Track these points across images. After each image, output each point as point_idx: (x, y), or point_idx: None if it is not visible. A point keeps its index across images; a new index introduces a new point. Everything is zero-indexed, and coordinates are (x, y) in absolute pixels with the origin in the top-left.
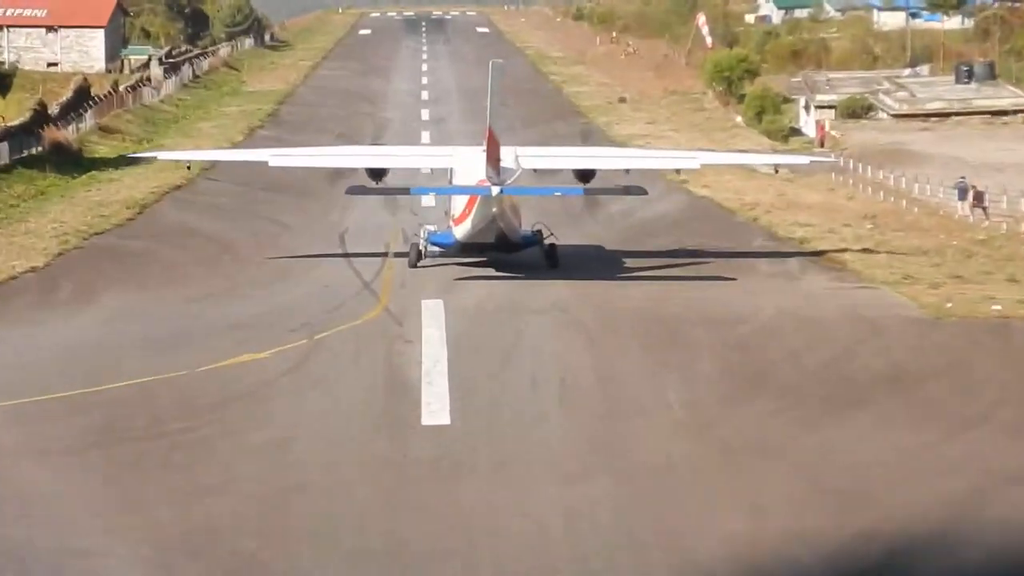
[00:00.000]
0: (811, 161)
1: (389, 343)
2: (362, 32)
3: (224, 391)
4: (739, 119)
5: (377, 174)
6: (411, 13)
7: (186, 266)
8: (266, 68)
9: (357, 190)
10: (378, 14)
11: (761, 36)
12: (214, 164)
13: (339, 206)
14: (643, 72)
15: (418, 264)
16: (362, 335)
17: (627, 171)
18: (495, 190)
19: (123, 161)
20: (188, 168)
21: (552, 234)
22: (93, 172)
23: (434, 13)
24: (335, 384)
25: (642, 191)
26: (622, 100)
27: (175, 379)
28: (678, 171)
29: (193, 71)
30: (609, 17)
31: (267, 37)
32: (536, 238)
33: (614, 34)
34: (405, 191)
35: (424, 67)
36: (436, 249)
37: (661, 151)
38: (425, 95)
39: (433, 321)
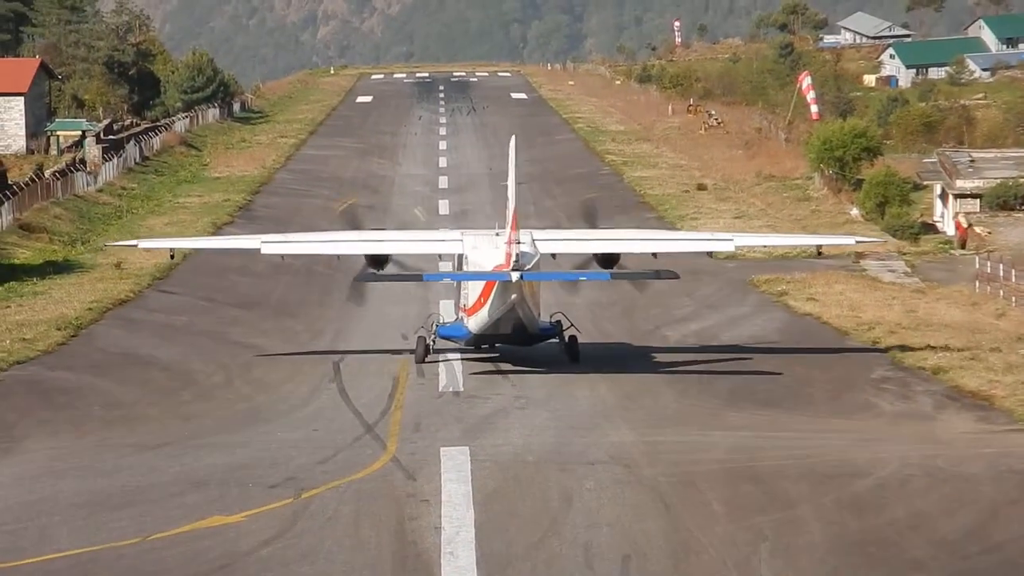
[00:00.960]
0: (857, 241)
1: (399, 504)
2: (361, 99)
3: (186, 567)
4: (855, 212)
5: (378, 261)
6: (425, 74)
7: (135, 405)
8: (235, 147)
9: (366, 277)
10: (381, 75)
11: (884, 103)
12: (169, 273)
13: (330, 327)
14: (730, 151)
15: (425, 359)
16: (364, 493)
17: (655, 255)
18: (516, 275)
19: (50, 268)
20: (172, 257)
21: (572, 325)
22: (12, 283)
23: (455, 74)
24: (329, 558)
25: (673, 275)
26: (702, 188)
27: (122, 551)
28: (710, 254)
29: (141, 151)
30: (685, 79)
31: (237, 106)
32: (556, 330)
33: (691, 101)
34: (418, 277)
35: (442, 145)
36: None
37: (694, 233)
38: (444, 182)
39: (456, 475)
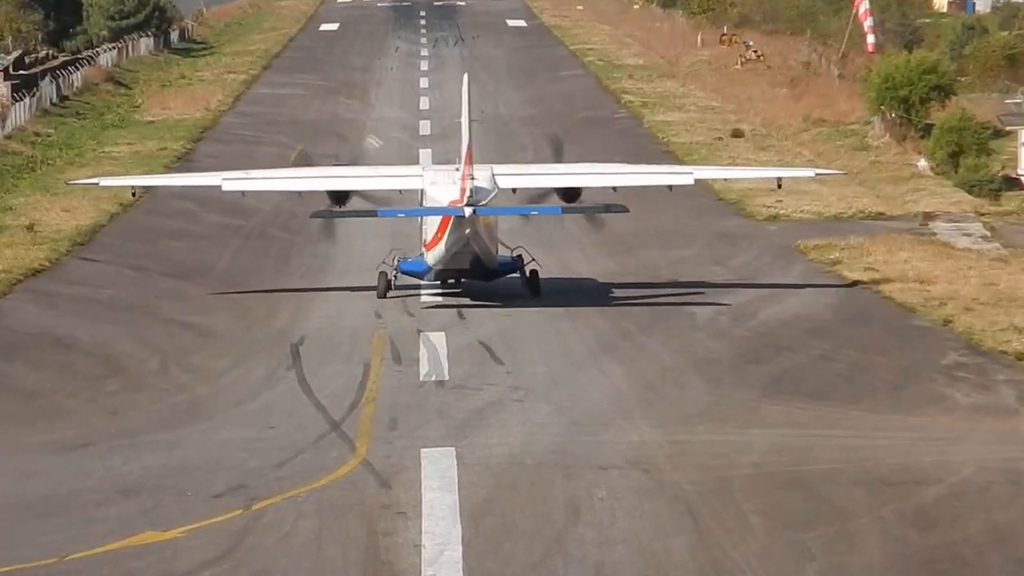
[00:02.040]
0: (816, 174)
1: (370, 517)
2: (325, 27)
3: None
4: (923, 163)
5: (340, 197)
6: None
7: (52, 396)
8: (173, 85)
9: (322, 214)
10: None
11: (959, 32)
12: (92, 237)
13: (289, 303)
14: (771, 90)
15: (387, 295)
16: (328, 504)
17: (614, 189)
18: (468, 210)
19: None
20: (134, 195)
21: (533, 260)
22: None
23: None
24: None
25: (623, 209)
26: (738, 134)
27: (36, 573)
28: (670, 188)
29: (58, 89)
30: (718, 4)
31: (175, 36)
32: (516, 264)
33: (725, 30)
34: (373, 213)
35: (423, 83)
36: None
37: (653, 166)
38: (425, 127)
39: (440, 482)
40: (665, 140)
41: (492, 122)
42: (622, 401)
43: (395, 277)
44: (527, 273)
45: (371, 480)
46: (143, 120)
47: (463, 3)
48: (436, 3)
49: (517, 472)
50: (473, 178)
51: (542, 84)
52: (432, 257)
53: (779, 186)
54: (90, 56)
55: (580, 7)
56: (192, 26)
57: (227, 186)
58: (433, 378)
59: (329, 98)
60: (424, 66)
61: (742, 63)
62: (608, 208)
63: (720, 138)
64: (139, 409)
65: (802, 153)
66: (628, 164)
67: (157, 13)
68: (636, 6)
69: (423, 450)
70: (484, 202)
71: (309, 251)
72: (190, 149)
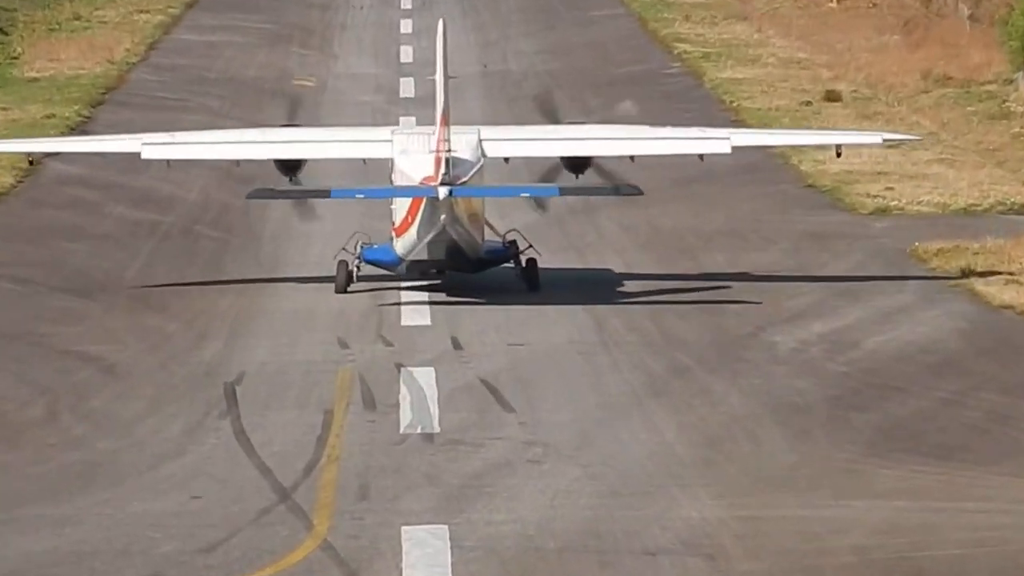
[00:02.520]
0: (884, 140)
1: None
2: None
3: None
4: None
5: (291, 167)
6: None
7: None
8: (64, 28)
9: (261, 194)
10: None
11: None
12: None
13: (223, 325)
14: (879, 36)
15: (347, 289)
16: None
17: (632, 159)
18: (443, 191)
19: None
20: (31, 163)
21: (531, 246)
22: None
23: None
24: None
25: (636, 191)
26: (834, 97)
27: None
28: (701, 157)
29: None
30: None
31: None
32: (509, 252)
33: None
34: (325, 193)
35: (405, 26)
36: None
37: (682, 129)
38: (408, 87)
39: (428, 572)
40: (734, 105)
41: (498, 81)
42: (675, 462)
43: (358, 267)
44: (523, 262)
45: (334, 570)
46: (23, 77)
47: None
48: None
49: (533, 559)
50: (451, 149)
51: (566, 29)
52: (403, 245)
53: (838, 154)
54: None
55: None
56: None
57: (148, 153)
58: (418, 430)
59: (277, 47)
60: (406, 2)
61: (839, 0)
62: (618, 190)
63: (809, 102)
64: (17, 472)
65: (920, 123)
66: (652, 127)
67: None
68: None
69: (404, 528)
70: (465, 179)
71: (251, 255)
72: (87, 117)
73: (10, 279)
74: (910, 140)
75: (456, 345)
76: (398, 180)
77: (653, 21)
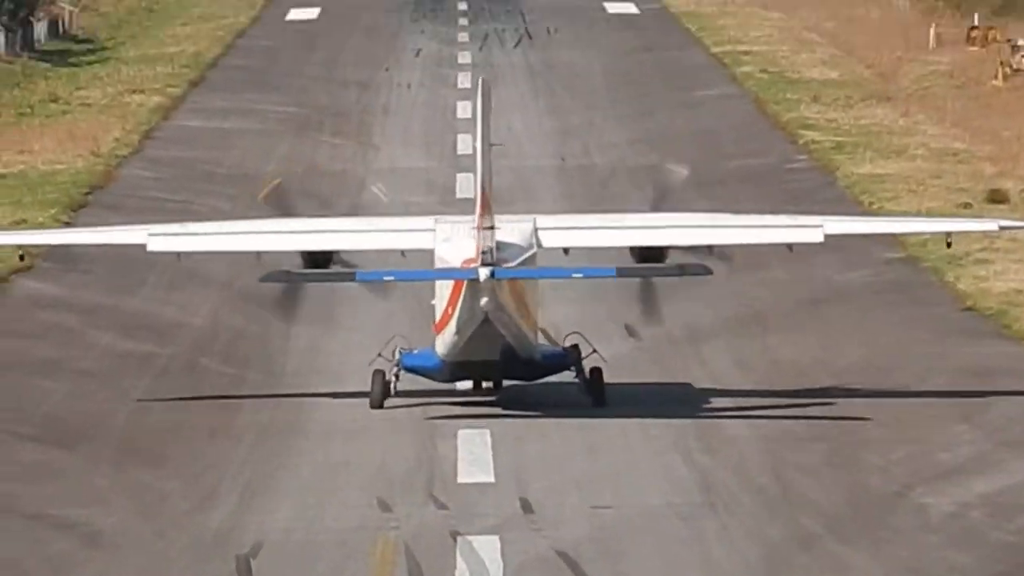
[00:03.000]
0: (1001, 227)
1: None
2: (298, 15)
3: None
4: None
5: (319, 261)
6: None
7: None
8: (38, 112)
9: (276, 276)
10: None
11: None
12: None
13: (233, 483)
14: None
15: (383, 404)
16: None
17: (710, 248)
18: (484, 272)
19: None
20: (21, 259)
21: (595, 350)
22: None
23: None
24: None
25: (705, 270)
26: (999, 198)
27: None
28: (790, 247)
29: None
30: None
31: (41, 28)
32: (569, 358)
33: (976, 22)
34: (350, 276)
35: (464, 110)
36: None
37: (769, 216)
38: (465, 185)
39: None
40: (875, 208)
41: (578, 178)
42: None
43: (396, 377)
44: (587, 372)
45: None
46: None
47: None
48: None
49: None
50: (494, 227)
51: (666, 113)
52: (443, 344)
53: (948, 245)
54: None
55: None
56: (71, 13)
57: (154, 244)
58: None
59: (304, 135)
60: (464, 81)
61: (1005, 76)
62: (683, 270)
63: (968, 204)
64: None
65: None
66: (739, 215)
67: None
68: None
69: None
70: (511, 263)
71: (269, 394)
72: (66, 223)
73: None
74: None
75: (526, 507)
76: (439, 267)
77: (773, 103)
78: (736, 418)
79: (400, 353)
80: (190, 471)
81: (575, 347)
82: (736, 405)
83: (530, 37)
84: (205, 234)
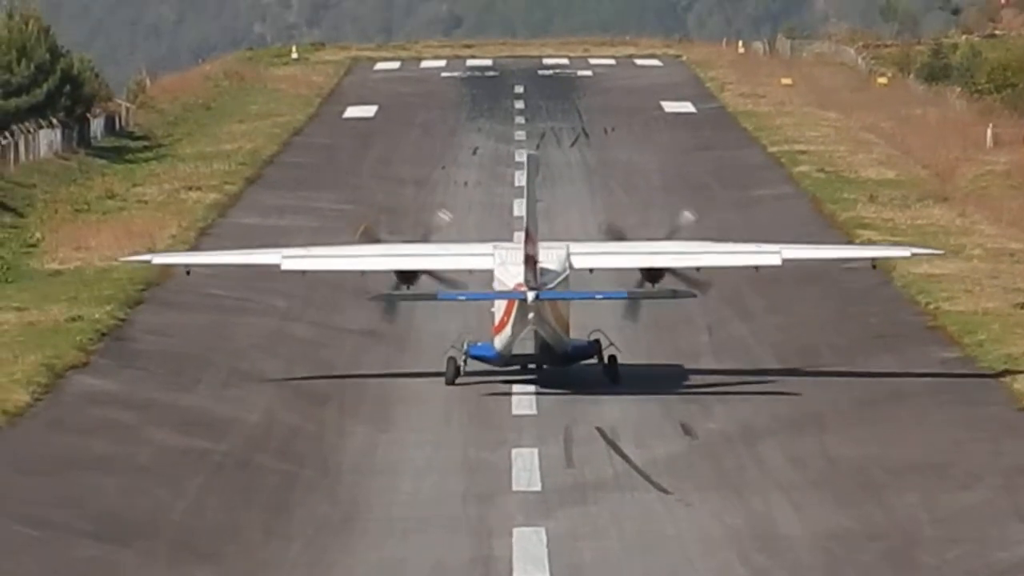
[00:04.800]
0: (912, 253)
1: None
2: (355, 113)
3: None
4: None
5: (407, 278)
6: (486, 61)
7: None
8: (96, 208)
9: (382, 298)
10: (394, 62)
11: None
12: None
13: (282, 567)
14: None
15: (456, 381)
16: None
17: (698, 269)
18: (531, 295)
19: None
20: (188, 273)
21: (612, 344)
22: None
23: (548, 60)
24: None
25: (691, 294)
26: None
27: None
28: (757, 268)
29: None
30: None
31: (98, 125)
32: (593, 349)
33: None
34: (433, 296)
35: (519, 208)
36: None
37: (738, 244)
38: None
39: None
40: (931, 308)
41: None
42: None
43: (464, 363)
44: (605, 359)
45: None
46: (43, 269)
47: (588, 73)
48: (542, 72)
49: None
50: (538, 259)
51: (722, 212)
52: (500, 342)
53: (873, 267)
54: None
55: (787, 80)
56: (128, 110)
57: (286, 265)
58: None
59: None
60: (521, 179)
61: None
62: (675, 293)
63: None
64: None
65: None
66: (715, 243)
67: (68, 86)
68: (882, 79)
69: None
70: (550, 285)
71: (325, 492)
72: (122, 320)
73: (25, 521)
74: (935, 253)
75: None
76: (497, 287)
77: (830, 202)
78: (791, 516)
79: (467, 344)
80: (245, 569)
81: (597, 341)
82: (791, 502)
83: (587, 136)
84: (326, 256)
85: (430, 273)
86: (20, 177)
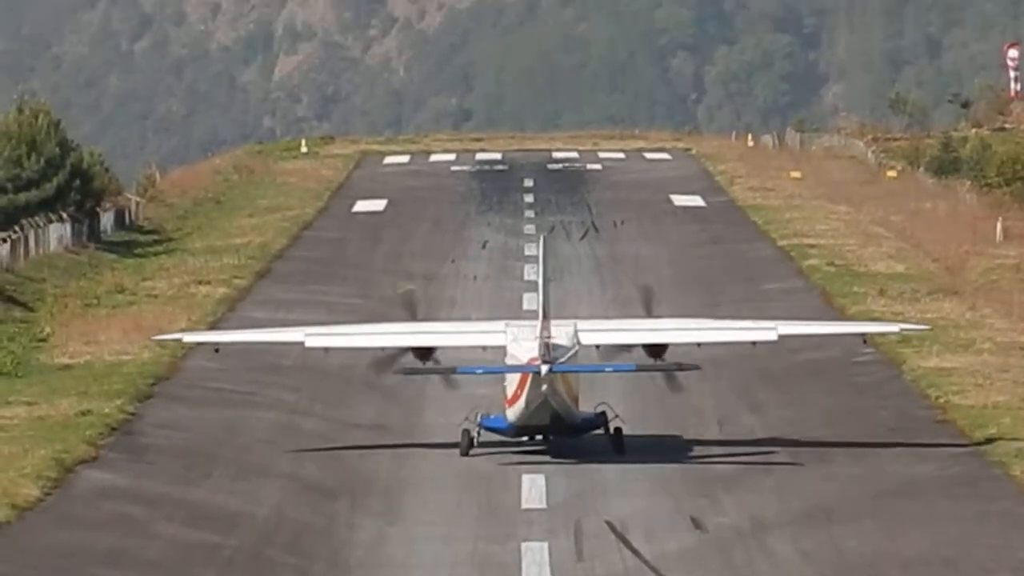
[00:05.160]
0: (901, 329)
1: None
2: (364, 207)
3: None
4: None
5: (424, 353)
6: (495, 154)
7: None
8: (106, 303)
9: (405, 370)
10: (403, 156)
11: None
12: None
13: None
14: None
15: (469, 452)
16: None
17: (699, 345)
18: (544, 368)
19: None
20: (216, 351)
21: (617, 416)
22: None
23: (558, 154)
24: None
25: (695, 367)
26: None
27: None
28: (754, 344)
29: None
30: None
31: (108, 219)
32: (600, 421)
33: None
34: (452, 370)
35: (530, 302)
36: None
37: (736, 321)
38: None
39: None
40: (941, 401)
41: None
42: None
43: (478, 434)
44: (611, 430)
45: None
46: (52, 363)
47: (598, 166)
48: (552, 166)
49: None
50: (550, 336)
51: (733, 306)
52: (512, 413)
53: (864, 341)
54: None
55: (796, 173)
56: (138, 204)
57: (310, 342)
58: None
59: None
60: (531, 273)
61: None
62: (681, 367)
63: None
64: None
65: None
66: (714, 320)
67: (78, 180)
68: (891, 172)
69: None
70: (562, 360)
71: None
72: (132, 414)
73: None
74: (923, 329)
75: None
76: (510, 362)
77: (840, 296)
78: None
79: (480, 417)
80: None
81: (603, 413)
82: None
83: (596, 229)
84: (347, 335)
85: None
86: (30, 271)
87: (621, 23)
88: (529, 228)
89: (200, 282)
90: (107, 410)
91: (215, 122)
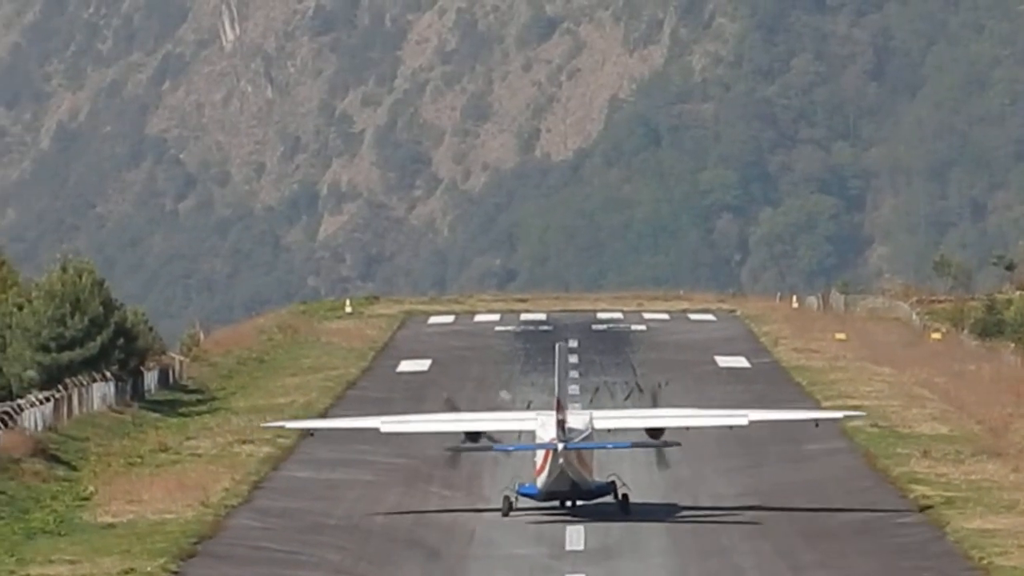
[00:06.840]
0: (844, 415)
1: None
2: (409, 367)
3: None
4: None
5: (474, 436)
6: (539, 315)
7: None
8: (149, 462)
9: (454, 448)
10: (448, 316)
11: None
12: None
13: None
14: None
15: (509, 513)
16: None
17: (687, 428)
18: (561, 445)
19: None
20: (312, 434)
21: (625, 484)
22: None
23: (602, 315)
24: None
25: (675, 443)
26: None
27: None
28: (731, 428)
29: None
30: None
31: (152, 379)
32: (610, 488)
33: None
34: (490, 448)
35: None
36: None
37: (711, 410)
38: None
39: None
40: (984, 563)
41: (688, 538)
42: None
43: (516, 499)
44: (619, 496)
45: None
46: (96, 522)
47: (642, 327)
48: (596, 327)
49: None
50: (565, 420)
51: (775, 466)
52: (540, 482)
53: (816, 425)
54: (7, 413)
55: (841, 335)
56: (181, 363)
57: (385, 428)
58: None
59: (414, 487)
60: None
61: None
62: (666, 443)
63: None
64: None
65: None
66: (698, 409)
67: (121, 338)
68: (936, 335)
69: None
70: (576, 439)
71: None
72: (175, 572)
73: None
74: (859, 416)
75: None
76: (536, 442)
77: (883, 457)
78: None
79: (517, 485)
80: None
81: (612, 482)
82: None
83: (640, 390)
84: (416, 422)
85: (487, 435)
86: (73, 430)
87: (665, 184)
88: (574, 388)
89: (244, 441)
90: (150, 569)
91: (259, 281)
